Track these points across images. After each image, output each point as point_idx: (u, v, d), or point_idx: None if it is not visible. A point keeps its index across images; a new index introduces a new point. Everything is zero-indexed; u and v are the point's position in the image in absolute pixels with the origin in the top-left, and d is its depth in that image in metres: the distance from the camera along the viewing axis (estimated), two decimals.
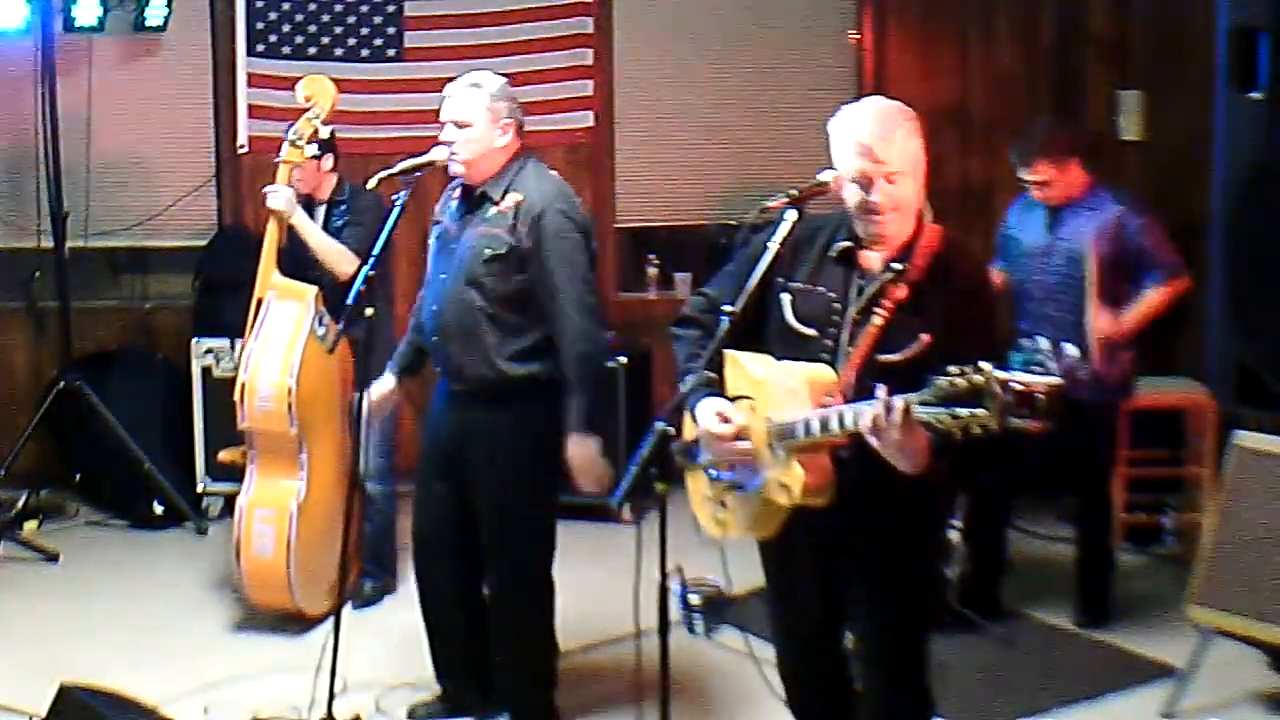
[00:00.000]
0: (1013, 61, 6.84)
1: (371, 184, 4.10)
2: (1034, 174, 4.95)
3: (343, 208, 5.21)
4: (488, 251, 4.02)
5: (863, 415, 2.94)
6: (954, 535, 5.07)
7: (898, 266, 3.15)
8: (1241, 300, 4.62)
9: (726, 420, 3.18)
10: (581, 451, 4.09)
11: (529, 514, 4.18)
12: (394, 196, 4.06)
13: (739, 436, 3.17)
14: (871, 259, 3.21)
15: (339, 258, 5.06)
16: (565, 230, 4.02)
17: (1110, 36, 6.74)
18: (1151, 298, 4.90)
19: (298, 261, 5.13)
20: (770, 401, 3.17)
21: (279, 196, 5.04)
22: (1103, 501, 5.19)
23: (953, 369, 2.76)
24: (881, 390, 2.88)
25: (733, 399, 3.25)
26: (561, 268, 4.01)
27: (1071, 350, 4.89)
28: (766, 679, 3.77)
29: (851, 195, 3.17)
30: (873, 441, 2.90)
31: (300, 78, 5.19)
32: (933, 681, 3.44)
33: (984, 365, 2.73)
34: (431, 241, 4.22)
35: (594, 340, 4.06)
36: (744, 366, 3.27)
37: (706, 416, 3.21)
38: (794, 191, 3.18)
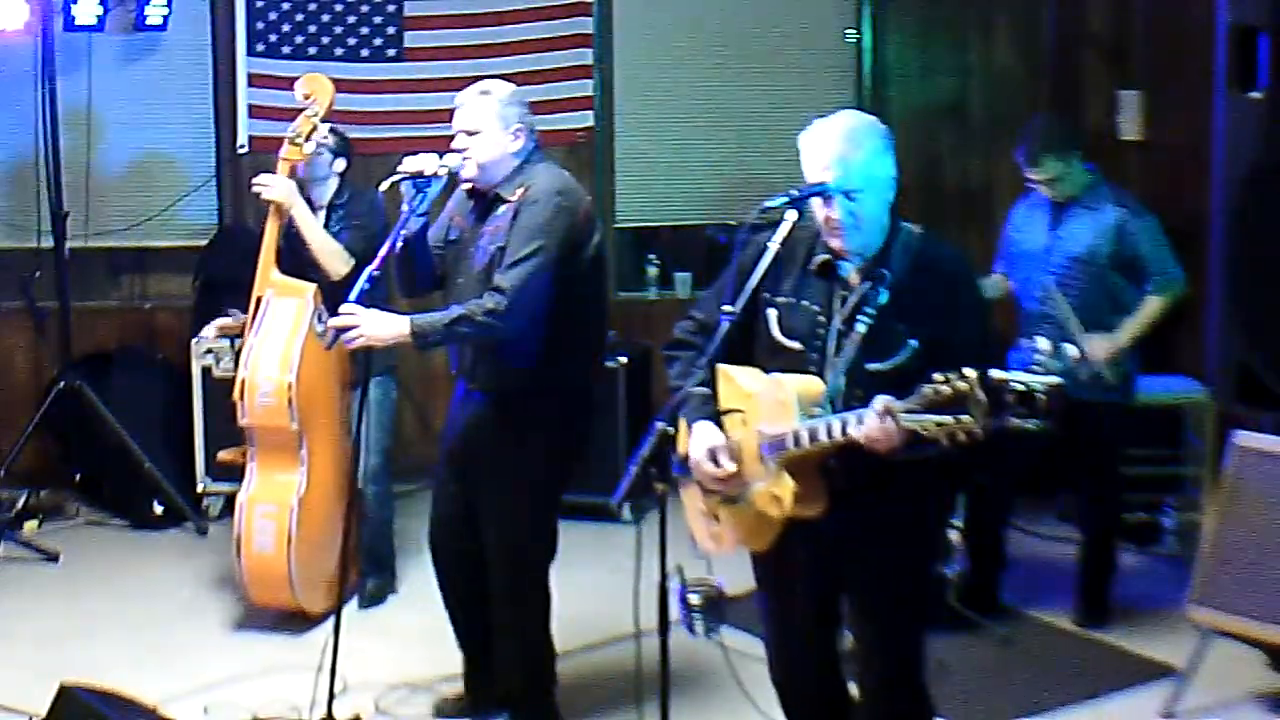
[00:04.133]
0: (1013, 61, 6.84)
1: (384, 187, 4.09)
2: (1042, 172, 4.95)
3: (341, 211, 5.21)
4: (493, 248, 4.03)
5: (850, 424, 2.96)
6: (954, 535, 5.07)
7: (874, 274, 3.16)
8: (1241, 300, 4.62)
9: (718, 462, 3.21)
10: (382, 319, 4.00)
11: (531, 515, 4.17)
12: (405, 200, 4.04)
13: (730, 476, 3.20)
14: (851, 269, 3.22)
15: (334, 256, 5.06)
16: (549, 211, 3.99)
17: (1110, 36, 6.74)
18: (1147, 309, 4.90)
19: (296, 259, 5.13)
20: (760, 414, 3.19)
21: (278, 187, 5.03)
22: (1105, 501, 5.20)
23: (937, 376, 2.79)
24: (878, 402, 2.88)
25: (723, 413, 3.26)
26: (524, 236, 3.97)
27: (1071, 350, 4.88)
28: (740, 681, 3.77)
29: (818, 210, 3.19)
30: (862, 443, 2.92)
31: (300, 77, 5.20)
32: (931, 682, 3.45)
33: (968, 371, 2.75)
34: (444, 245, 4.21)
35: (495, 324, 3.93)
36: (734, 380, 3.29)
37: (699, 448, 3.23)
38: (794, 191, 3.19)
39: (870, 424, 2.90)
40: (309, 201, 5.19)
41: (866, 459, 2.99)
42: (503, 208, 4.07)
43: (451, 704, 4.46)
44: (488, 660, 4.34)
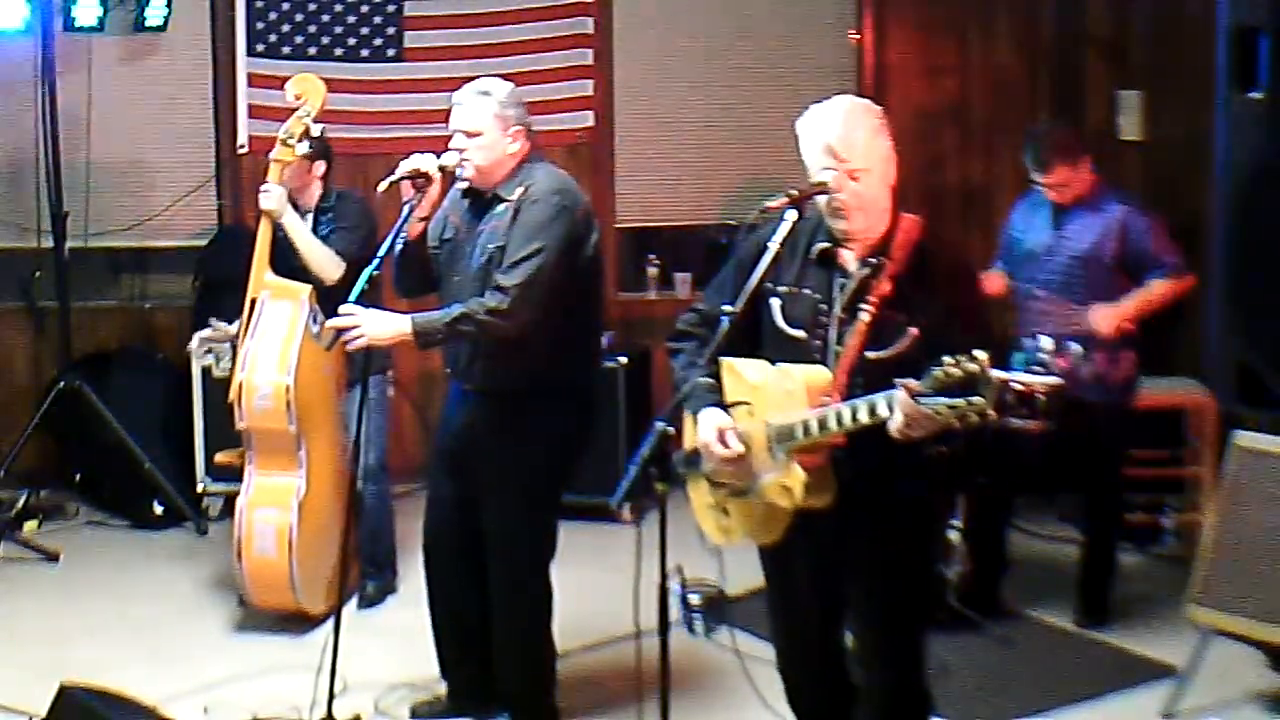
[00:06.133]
0: (1013, 61, 6.84)
1: (383, 187, 4.09)
2: (1053, 178, 4.95)
3: (329, 215, 5.20)
4: (491, 246, 4.03)
5: (861, 411, 2.96)
6: (954, 535, 5.07)
7: (874, 262, 3.16)
8: (1241, 300, 4.62)
9: (726, 443, 3.19)
10: (383, 318, 4.02)
11: (531, 515, 4.17)
12: (404, 200, 4.05)
13: (740, 456, 3.19)
14: (851, 257, 3.23)
15: (326, 262, 5.06)
16: (549, 211, 4.00)
17: (1110, 36, 6.74)
18: (1153, 288, 4.90)
19: (289, 263, 5.13)
20: (768, 405, 3.19)
21: (271, 196, 5.03)
22: (1105, 502, 5.20)
23: (947, 359, 2.78)
24: (903, 387, 2.87)
25: (730, 405, 3.26)
26: (524, 236, 3.97)
27: (1074, 349, 4.88)
28: (752, 679, 3.78)
29: (821, 197, 3.19)
30: (896, 429, 2.91)
31: (290, 78, 5.19)
32: (932, 681, 3.45)
33: (978, 353, 2.74)
34: (440, 244, 4.21)
35: (497, 323, 3.93)
36: (740, 373, 3.29)
37: (708, 431, 3.22)
38: (794, 191, 3.19)
39: (905, 407, 2.87)
40: (294, 204, 5.18)
41: (874, 449, 2.99)
42: (501, 206, 4.07)
43: (426, 706, 4.46)
44: (476, 659, 4.34)
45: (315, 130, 5.10)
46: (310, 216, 5.21)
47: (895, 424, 2.90)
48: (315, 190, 5.24)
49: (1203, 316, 5.59)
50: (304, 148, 5.06)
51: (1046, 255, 5.01)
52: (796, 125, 3.24)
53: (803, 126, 3.23)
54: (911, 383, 2.86)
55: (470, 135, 4.06)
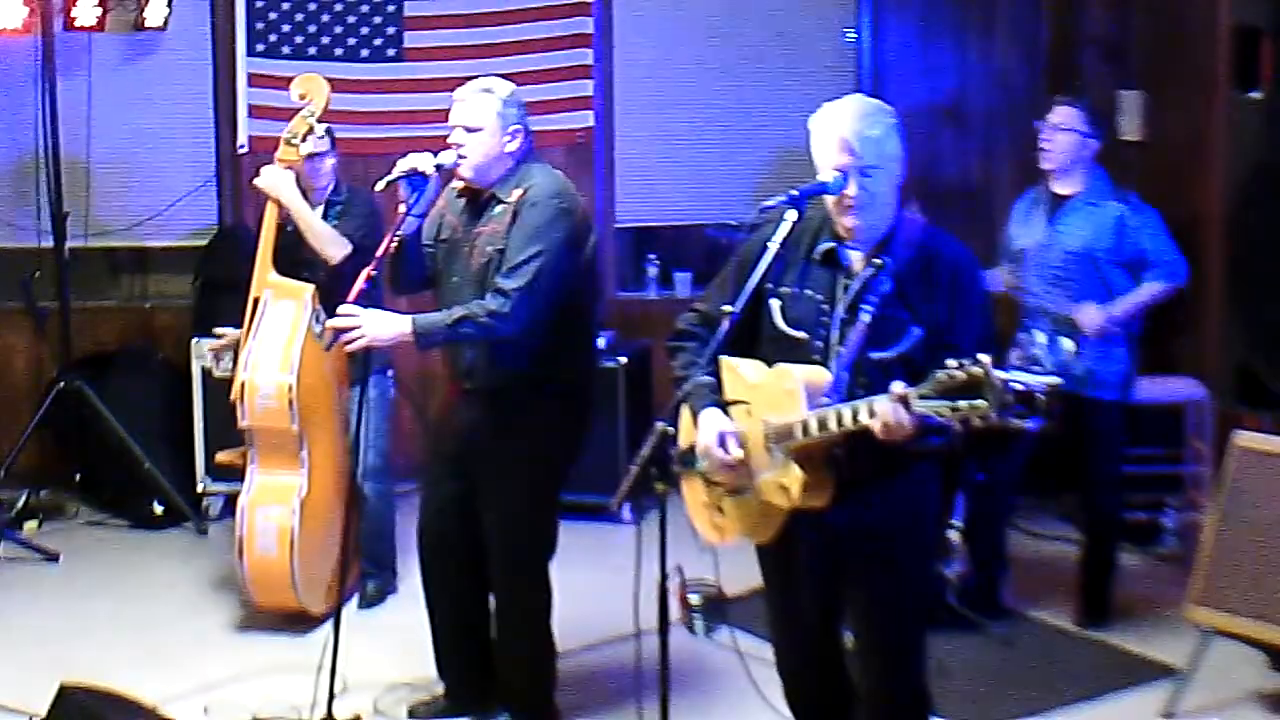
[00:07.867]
0: (1012, 61, 6.84)
1: (380, 186, 4.09)
2: (1055, 115, 4.99)
3: (337, 208, 5.21)
4: (490, 249, 4.03)
5: (862, 412, 2.96)
6: (954, 535, 5.07)
7: (879, 262, 3.17)
8: (1242, 300, 4.62)
9: (726, 448, 3.20)
10: (383, 319, 4.02)
11: (532, 514, 4.18)
12: (402, 200, 4.05)
13: (740, 461, 3.20)
14: (854, 257, 3.23)
15: (329, 239, 5.05)
16: (549, 214, 4.00)
17: (1110, 36, 6.74)
18: (1145, 289, 4.91)
19: (292, 262, 5.13)
20: (766, 404, 3.19)
21: (269, 174, 5.02)
22: (1106, 501, 5.20)
23: (951, 362, 2.79)
24: (896, 387, 2.88)
25: (729, 403, 3.26)
26: (524, 239, 3.98)
27: (1069, 345, 4.90)
28: (753, 679, 3.78)
29: (825, 194, 3.19)
30: (876, 432, 2.91)
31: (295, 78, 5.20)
32: (932, 681, 3.45)
33: (982, 357, 2.75)
34: (435, 243, 4.21)
35: (498, 326, 3.95)
36: (739, 372, 3.29)
37: (708, 434, 3.22)
38: (794, 191, 3.19)
39: (883, 410, 2.89)
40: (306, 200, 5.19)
41: (872, 449, 2.99)
42: (499, 208, 4.08)
43: (424, 707, 4.45)
44: (474, 659, 4.34)
45: (319, 130, 5.10)
46: (320, 209, 5.22)
47: (875, 427, 2.91)
48: (329, 186, 5.25)
49: (1203, 316, 5.59)
50: (307, 147, 5.07)
51: (1042, 251, 5.01)
52: (810, 122, 3.24)
53: (816, 123, 3.23)
54: (903, 388, 2.86)
55: (470, 130, 4.07)
